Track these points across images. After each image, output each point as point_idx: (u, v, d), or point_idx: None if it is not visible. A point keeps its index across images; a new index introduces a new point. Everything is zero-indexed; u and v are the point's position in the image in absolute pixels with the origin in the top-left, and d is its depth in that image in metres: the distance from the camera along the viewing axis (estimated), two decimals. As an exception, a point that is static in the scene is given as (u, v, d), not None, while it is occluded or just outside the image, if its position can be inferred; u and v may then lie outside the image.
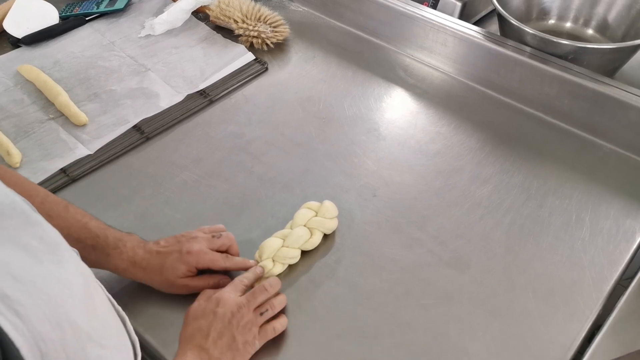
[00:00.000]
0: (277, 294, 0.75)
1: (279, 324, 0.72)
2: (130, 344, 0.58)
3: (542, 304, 0.77)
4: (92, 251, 0.72)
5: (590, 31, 1.19)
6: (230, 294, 0.70)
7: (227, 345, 0.66)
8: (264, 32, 1.20)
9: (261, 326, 0.71)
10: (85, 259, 0.63)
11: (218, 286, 0.75)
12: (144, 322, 0.74)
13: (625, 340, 0.71)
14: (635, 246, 0.83)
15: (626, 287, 0.77)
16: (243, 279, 0.74)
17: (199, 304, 0.70)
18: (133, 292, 0.78)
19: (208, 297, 0.71)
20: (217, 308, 0.68)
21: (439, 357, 0.72)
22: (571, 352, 0.72)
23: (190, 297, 0.75)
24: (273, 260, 0.79)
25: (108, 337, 0.52)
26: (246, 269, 0.77)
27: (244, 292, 0.72)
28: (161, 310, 0.76)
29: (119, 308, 0.60)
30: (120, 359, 0.54)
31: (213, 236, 0.78)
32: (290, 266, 0.81)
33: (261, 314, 0.71)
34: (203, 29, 1.27)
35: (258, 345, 0.70)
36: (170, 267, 0.74)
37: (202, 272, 0.77)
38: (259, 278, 0.76)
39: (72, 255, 0.52)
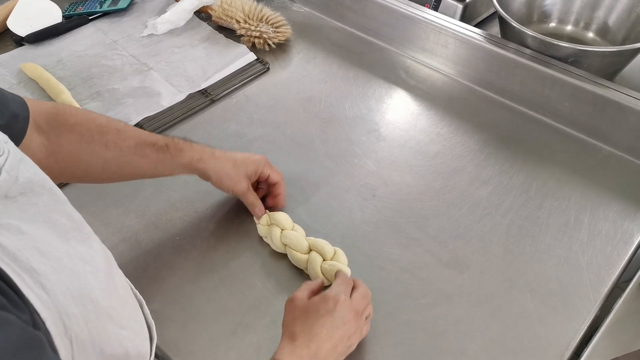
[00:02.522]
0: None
1: (367, 329, 0.72)
2: (147, 328, 0.59)
3: (540, 305, 0.77)
4: (167, 150, 0.76)
5: (590, 34, 1.20)
6: (344, 296, 0.68)
7: (333, 348, 0.65)
8: (266, 32, 1.20)
9: None
10: (160, 160, 0.74)
11: (257, 208, 0.83)
12: (144, 319, 0.75)
13: (622, 341, 0.72)
14: (633, 248, 0.84)
15: (623, 290, 0.78)
16: (349, 281, 0.72)
17: (304, 298, 0.69)
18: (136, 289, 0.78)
19: (315, 294, 0.70)
20: (335, 311, 0.66)
21: (437, 357, 0.72)
22: (568, 352, 0.72)
23: (193, 296, 0.76)
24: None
25: (127, 318, 0.53)
26: (279, 204, 0.88)
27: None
28: (163, 307, 0.76)
29: (137, 292, 0.61)
30: (137, 341, 0.55)
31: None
32: (291, 266, 0.82)
33: (365, 318, 0.70)
34: (205, 28, 1.28)
35: (355, 346, 0.69)
36: (242, 163, 0.82)
37: None
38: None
39: (96, 236, 0.53)
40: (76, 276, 0.45)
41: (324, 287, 0.74)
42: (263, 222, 0.84)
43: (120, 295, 0.53)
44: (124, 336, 0.51)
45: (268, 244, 0.83)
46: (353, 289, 0.71)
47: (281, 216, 0.83)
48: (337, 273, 0.75)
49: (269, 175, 0.85)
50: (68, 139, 0.70)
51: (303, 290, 0.70)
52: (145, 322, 0.60)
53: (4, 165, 0.45)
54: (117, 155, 0.73)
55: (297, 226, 0.84)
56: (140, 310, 0.60)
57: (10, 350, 0.34)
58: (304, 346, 0.63)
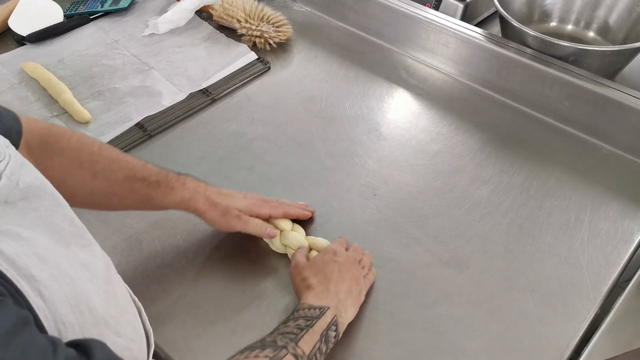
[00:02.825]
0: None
1: (372, 275, 0.79)
2: (145, 335, 0.59)
3: (540, 304, 0.77)
4: (158, 187, 0.74)
5: (591, 34, 1.19)
6: (341, 248, 0.77)
7: (348, 289, 0.72)
8: (267, 31, 1.20)
9: None
10: (150, 197, 0.72)
11: (267, 233, 0.80)
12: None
13: (622, 340, 0.72)
14: (633, 247, 0.84)
15: (624, 289, 0.78)
16: (342, 240, 0.81)
17: (302, 259, 0.76)
18: (135, 288, 0.78)
19: (324, 251, 0.77)
20: (336, 257, 0.74)
21: (437, 357, 0.72)
22: (568, 351, 0.72)
23: (194, 295, 0.76)
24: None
25: (124, 326, 0.53)
26: (305, 217, 0.86)
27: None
28: (163, 306, 0.77)
29: (135, 298, 0.61)
30: (134, 349, 0.55)
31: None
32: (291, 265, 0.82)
33: (362, 267, 0.77)
34: (206, 28, 1.28)
35: (364, 293, 0.76)
36: (233, 198, 0.79)
37: None
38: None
39: (96, 242, 0.53)
40: (75, 283, 0.45)
41: None
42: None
43: (119, 302, 0.53)
44: (121, 344, 0.50)
45: (268, 244, 0.83)
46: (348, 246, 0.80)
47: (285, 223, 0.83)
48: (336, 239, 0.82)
49: (270, 215, 0.82)
50: (57, 163, 0.69)
51: (301, 255, 0.77)
52: (143, 328, 0.60)
53: (4, 170, 0.44)
54: (105, 186, 0.72)
55: (296, 226, 0.84)
56: (138, 316, 0.60)
57: (8, 327, 0.35)
58: (325, 290, 0.70)
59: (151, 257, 0.83)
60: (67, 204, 0.51)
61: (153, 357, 0.73)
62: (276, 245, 0.82)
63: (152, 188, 0.74)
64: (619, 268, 0.81)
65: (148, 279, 0.80)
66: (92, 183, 0.71)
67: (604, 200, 0.90)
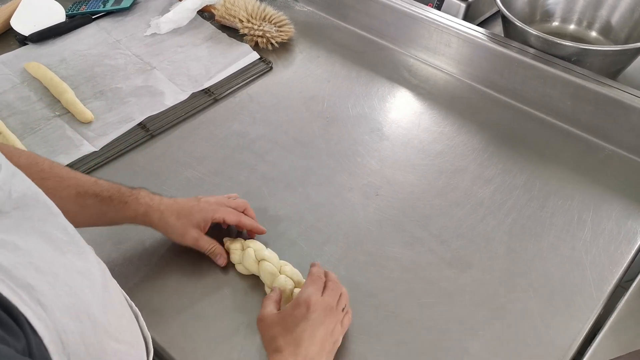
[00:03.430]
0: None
1: (348, 319, 0.73)
2: (143, 340, 0.59)
3: (543, 304, 0.77)
4: (110, 202, 0.74)
5: (593, 33, 1.19)
6: (316, 295, 0.69)
7: (321, 348, 0.66)
8: (269, 31, 1.20)
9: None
10: (103, 212, 0.69)
11: (216, 257, 0.79)
12: (146, 318, 0.74)
13: (625, 340, 0.72)
14: (636, 247, 0.83)
15: (627, 289, 0.77)
16: (320, 274, 0.73)
17: (271, 310, 0.70)
18: (136, 288, 0.79)
19: (277, 302, 0.71)
20: (310, 313, 0.66)
21: (440, 356, 0.72)
22: (571, 352, 0.72)
23: (195, 295, 0.76)
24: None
25: (123, 332, 0.52)
26: (258, 232, 0.83)
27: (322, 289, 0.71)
28: (164, 307, 0.77)
29: (132, 303, 0.61)
30: (134, 354, 0.55)
31: (229, 197, 0.83)
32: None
33: (342, 309, 0.71)
34: (208, 28, 1.28)
35: (341, 340, 0.70)
36: (187, 213, 0.77)
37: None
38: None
39: (91, 249, 0.53)
40: (73, 291, 0.45)
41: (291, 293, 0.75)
42: (237, 247, 0.81)
43: (116, 308, 0.53)
44: (120, 350, 0.50)
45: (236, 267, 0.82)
46: (325, 283, 0.72)
47: (256, 243, 0.81)
48: (309, 272, 0.74)
49: (224, 219, 0.80)
50: None
51: (268, 306, 0.70)
52: (141, 334, 0.59)
53: None
54: (56, 204, 0.71)
55: (269, 251, 0.81)
56: (136, 322, 0.59)
57: None
58: (292, 355, 0.63)
59: (154, 257, 0.83)
60: (59, 212, 0.50)
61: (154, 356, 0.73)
62: (246, 266, 0.79)
63: (105, 203, 0.73)
64: (622, 268, 0.81)
65: (150, 279, 0.80)
66: None
67: (607, 200, 0.90)
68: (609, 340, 0.72)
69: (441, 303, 0.78)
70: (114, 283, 0.56)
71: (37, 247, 0.44)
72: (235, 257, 0.80)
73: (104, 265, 0.55)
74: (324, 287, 0.71)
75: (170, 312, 0.76)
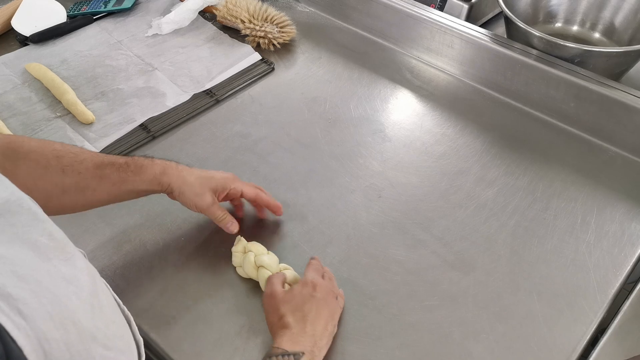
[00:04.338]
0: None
1: (342, 300, 0.76)
2: (135, 345, 0.58)
3: (546, 307, 0.77)
4: (127, 167, 0.74)
5: (597, 35, 1.19)
6: (319, 278, 0.73)
7: (324, 328, 0.69)
8: (271, 32, 1.20)
9: None
10: (122, 180, 0.71)
11: (227, 225, 0.80)
12: (148, 320, 0.75)
13: (629, 344, 0.71)
14: (640, 250, 0.83)
15: (630, 291, 0.77)
16: (318, 265, 0.77)
17: (279, 289, 0.72)
18: (138, 289, 0.78)
19: (282, 283, 0.73)
20: (316, 292, 0.70)
21: (443, 359, 0.72)
22: (575, 355, 0.72)
23: (196, 295, 0.76)
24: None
25: (112, 338, 0.52)
26: (275, 209, 0.84)
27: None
28: (166, 308, 0.76)
29: (124, 308, 0.60)
30: None
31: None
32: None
33: (336, 298, 0.74)
34: (210, 28, 1.27)
35: (337, 327, 0.73)
36: (208, 176, 0.78)
37: None
38: None
39: (80, 254, 0.52)
40: (57, 298, 0.44)
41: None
42: (239, 249, 0.80)
43: (105, 314, 0.52)
44: (109, 357, 0.49)
45: (237, 270, 0.81)
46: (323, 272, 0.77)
47: (257, 247, 0.80)
48: (309, 263, 0.77)
49: (242, 192, 0.81)
50: (24, 167, 0.68)
51: (277, 284, 0.73)
52: (134, 339, 0.59)
53: None
54: (76, 180, 0.71)
55: (271, 254, 0.80)
56: (128, 327, 0.59)
57: None
58: (301, 331, 0.66)
59: (155, 258, 0.82)
60: (46, 218, 0.49)
61: (156, 358, 0.73)
62: (245, 271, 0.78)
63: (122, 170, 0.73)
64: (626, 270, 0.81)
65: (152, 281, 0.79)
66: (62, 180, 0.70)
67: (611, 202, 0.90)
68: (613, 343, 0.71)
69: (444, 305, 0.77)
70: (104, 288, 0.55)
71: (20, 254, 0.43)
72: (236, 260, 0.80)
73: (94, 270, 0.54)
74: (323, 277, 0.75)
75: (172, 315, 0.76)
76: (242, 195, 0.82)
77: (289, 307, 0.69)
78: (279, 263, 0.79)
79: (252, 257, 0.78)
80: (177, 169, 0.77)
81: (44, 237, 0.47)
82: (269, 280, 0.74)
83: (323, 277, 0.75)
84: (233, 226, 0.81)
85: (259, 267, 0.77)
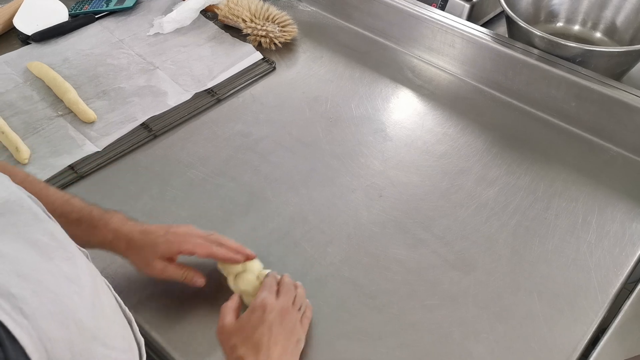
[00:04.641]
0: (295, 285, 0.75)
1: (309, 312, 0.74)
2: (136, 345, 0.59)
3: (547, 307, 0.77)
4: (78, 225, 0.71)
5: (598, 34, 1.19)
6: (271, 298, 0.69)
7: (283, 350, 0.65)
8: (272, 31, 1.20)
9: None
10: (71, 235, 0.63)
11: (192, 281, 0.75)
12: (149, 319, 0.75)
13: (630, 343, 0.71)
14: (641, 250, 0.83)
15: (631, 291, 0.77)
16: (271, 281, 0.73)
17: (230, 320, 0.68)
18: (139, 288, 0.78)
19: (235, 311, 0.70)
20: (266, 315, 0.66)
21: (443, 359, 0.72)
22: (576, 354, 0.72)
23: (197, 295, 0.76)
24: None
25: (114, 338, 0.52)
26: (234, 262, 0.75)
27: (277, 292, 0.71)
28: (168, 307, 0.77)
29: (125, 308, 0.60)
30: None
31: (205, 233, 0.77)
32: (296, 267, 0.81)
33: (299, 309, 0.71)
34: (211, 27, 1.27)
35: (304, 339, 0.70)
36: (151, 244, 0.72)
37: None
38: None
39: (81, 254, 0.52)
40: (59, 297, 0.44)
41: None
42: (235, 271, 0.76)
43: (106, 314, 0.52)
44: (111, 356, 0.50)
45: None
46: (279, 286, 0.72)
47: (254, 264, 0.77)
48: (262, 281, 0.73)
49: (192, 252, 0.74)
50: None
51: (226, 315, 0.69)
52: (134, 339, 0.59)
53: None
54: None
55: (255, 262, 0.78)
56: (129, 327, 0.59)
57: None
58: None
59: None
60: (47, 218, 0.49)
61: (157, 357, 0.73)
62: (232, 288, 0.76)
63: (73, 225, 0.70)
64: (627, 270, 0.81)
65: (154, 280, 0.79)
66: None
67: (611, 202, 0.90)
68: (614, 343, 0.72)
69: (445, 305, 0.77)
70: (105, 288, 0.55)
71: (22, 253, 0.44)
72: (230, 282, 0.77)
73: (95, 270, 0.54)
74: (278, 291, 0.71)
75: (174, 313, 0.76)
76: (194, 254, 0.75)
77: (240, 338, 0.66)
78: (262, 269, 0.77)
79: (231, 279, 0.76)
80: (126, 238, 0.73)
81: (45, 236, 0.47)
82: (221, 310, 0.70)
83: (278, 291, 0.71)
84: (199, 281, 0.76)
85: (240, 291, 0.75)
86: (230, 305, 0.70)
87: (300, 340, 0.69)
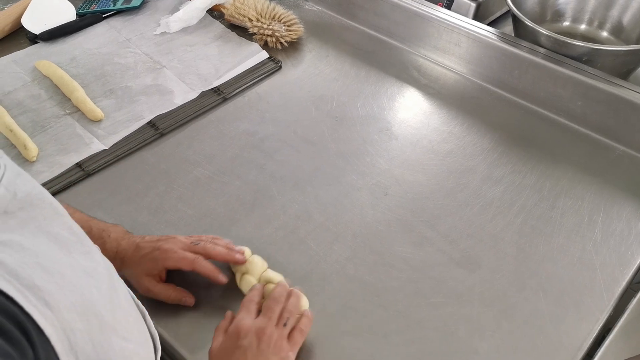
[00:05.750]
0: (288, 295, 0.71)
1: (303, 325, 0.69)
2: (151, 338, 0.59)
3: (552, 305, 0.77)
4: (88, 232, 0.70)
5: (604, 33, 1.19)
6: (247, 319, 0.66)
7: None
8: (278, 30, 1.20)
9: (288, 335, 0.67)
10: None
11: (179, 301, 0.74)
12: (157, 316, 0.74)
13: (635, 342, 0.71)
14: (647, 249, 0.83)
15: (637, 291, 0.77)
16: (252, 298, 0.70)
17: (218, 343, 0.66)
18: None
19: (225, 332, 0.67)
20: (240, 341, 0.64)
21: (448, 357, 0.72)
22: (581, 353, 0.72)
23: (205, 289, 0.76)
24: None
25: (130, 330, 0.53)
26: (215, 281, 0.75)
27: (258, 311, 0.69)
28: (174, 304, 0.77)
29: (139, 302, 0.61)
30: (142, 353, 0.55)
31: (191, 242, 0.75)
32: (305, 264, 0.81)
33: (284, 324, 0.67)
34: (218, 27, 1.28)
35: (293, 356, 0.66)
36: (141, 262, 0.73)
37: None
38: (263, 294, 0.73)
39: (97, 249, 0.53)
40: (80, 290, 0.45)
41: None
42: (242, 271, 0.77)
43: (123, 307, 0.53)
44: (128, 349, 0.50)
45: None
46: (259, 304, 0.70)
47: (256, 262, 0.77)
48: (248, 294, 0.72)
49: (178, 268, 0.74)
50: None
51: (217, 338, 0.67)
52: (149, 333, 0.59)
53: (1, 180, 0.44)
54: None
55: (256, 258, 0.78)
56: (143, 321, 0.59)
57: None
58: None
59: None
60: (65, 212, 0.50)
61: (164, 353, 0.73)
62: (239, 286, 0.77)
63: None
64: (633, 269, 0.80)
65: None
66: None
67: (617, 201, 0.90)
68: (619, 341, 0.71)
69: (450, 303, 0.77)
70: (120, 282, 0.56)
71: (43, 247, 0.44)
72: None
73: (110, 265, 0.55)
74: (259, 309, 0.69)
75: (180, 309, 0.76)
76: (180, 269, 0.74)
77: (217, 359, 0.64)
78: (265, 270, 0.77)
79: (238, 279, 0.76)
80: (121, 256, 0.73)
81: (65, 230, 0.48)
82: (214, 332, 0.69)
83: (260, 309, 0.69)
84: (188, 301, 0.75)
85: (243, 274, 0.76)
86: (222, 325, 0.69)
87: (289, 357, 0.65)
